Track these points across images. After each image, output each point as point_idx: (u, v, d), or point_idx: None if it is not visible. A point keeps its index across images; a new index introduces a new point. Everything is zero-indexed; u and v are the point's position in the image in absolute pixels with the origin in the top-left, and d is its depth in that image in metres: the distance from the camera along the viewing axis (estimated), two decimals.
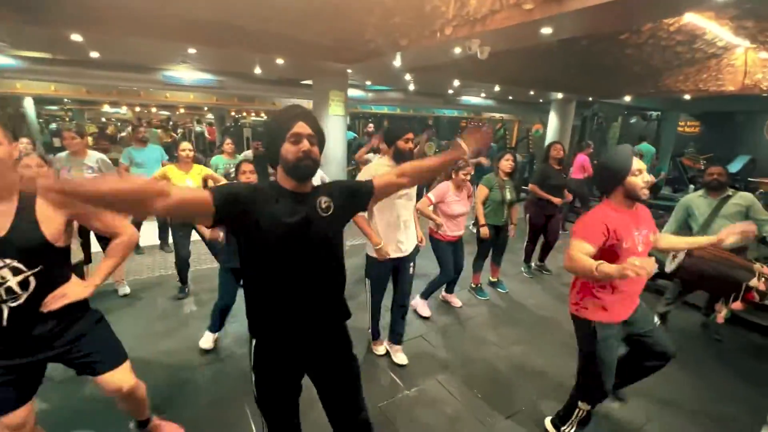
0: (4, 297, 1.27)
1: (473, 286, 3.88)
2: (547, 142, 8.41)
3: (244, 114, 16.29)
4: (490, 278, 4.00)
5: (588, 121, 8.16)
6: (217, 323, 2.77)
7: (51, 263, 1.35)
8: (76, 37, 3.38)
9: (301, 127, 1.20)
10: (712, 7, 3.44)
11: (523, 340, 3.12)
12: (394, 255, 2.43)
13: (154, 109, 14.89)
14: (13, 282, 1.27)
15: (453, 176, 3.07)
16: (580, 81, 6.23)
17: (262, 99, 11.05)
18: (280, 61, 4.41)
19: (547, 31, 2.62)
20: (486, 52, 2.93)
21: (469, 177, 3.08)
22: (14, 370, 1.35)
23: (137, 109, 14.37)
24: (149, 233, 4.68)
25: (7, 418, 1.33)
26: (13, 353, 1.34)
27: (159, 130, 12.64)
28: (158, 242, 4.78)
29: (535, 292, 3.99)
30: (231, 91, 8.02)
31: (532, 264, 4.46)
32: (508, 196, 3.50)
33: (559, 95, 7.72)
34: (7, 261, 1.25)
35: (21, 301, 1.29)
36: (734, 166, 8.41)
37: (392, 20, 3.16)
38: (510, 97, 9.42)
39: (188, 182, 3.29)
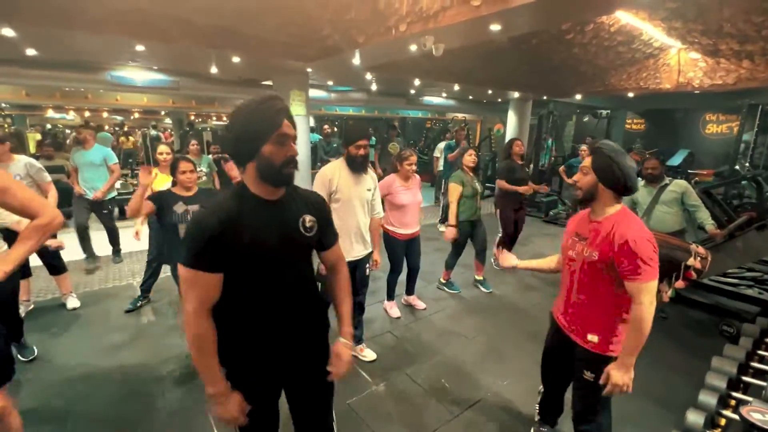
0: None
1: (442, 281, 3.93)
2: (507, 140, 8.74)
3: (205, 118, 15.72)
4: (475, 276, 4.04)
5: (544, 119, 8.53)
6: None
7: None
8: (7, 31, 3.13)
9: (288, 127, 1.08)
10: (642, 5, 3.72)
11: (488, 330, 3.21)
12: (351, 258, 2.44)
13: (105, 114, 14.04)
14: None
15: (399, 168, 3.06)
16: (534, 80, 6.52)
17: (222, 101, 10.70)
18: (236, 59, 4.30)
19: (495, 27, 2.72)
20: (441, 49, 3.00)
21: (415, 168, 3.08)
22: None
23: (87, 114, 13.49)
24: (100, 242, 4.41)
25: None
26: None
27: (119, 135, 11.97)
28: (110, 252, 4.52)
29: (499, 284, 4.11)
30: (188, 92, 7.70)
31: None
32: (478, 188, 3.63)
33: (516, 94, 8.04)
34: None
35: None
36: (675, 160, 9.08)
37: (347, 16, 3.17)
38: (470, 97, 9.69)
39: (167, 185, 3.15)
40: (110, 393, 2.34)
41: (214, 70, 5.06)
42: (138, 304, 3.38)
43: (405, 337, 3.06)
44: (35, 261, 2.92)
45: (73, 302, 3.35)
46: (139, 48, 3.75)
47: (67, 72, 5.33)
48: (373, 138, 9.44)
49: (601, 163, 1.46)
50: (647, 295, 1.38)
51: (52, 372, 2.52)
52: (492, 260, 4.56)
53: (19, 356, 2.54)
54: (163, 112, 14.82)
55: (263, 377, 1.23)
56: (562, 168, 6.53)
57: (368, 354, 2.72)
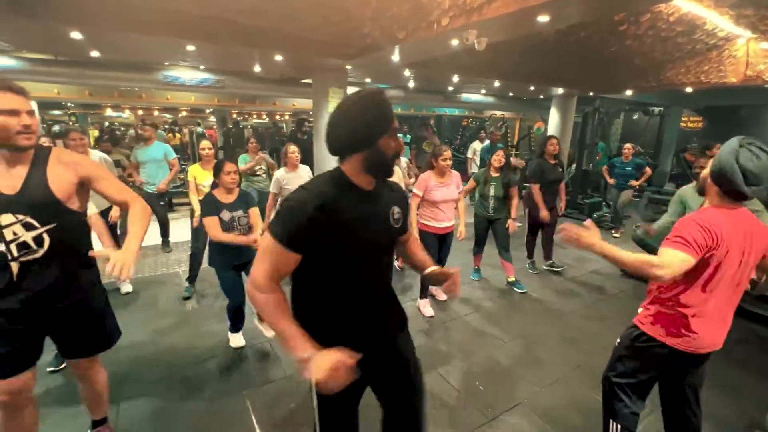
0: (15, 254, 1.32)
1: (476, 268, 4.09)
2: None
3: (246, 116, 16.33)
4: (508, 278, 3.94)
5: (590, 117, 8.09)
6: (236, 323, 2.79)
7: (65, 223, 1.40)
8: (75, 35, 3.41)
9: (395, 122, 1.11)
10: None
11: (525, 334, 3.10)
12: None
13: (156, 112, 14.96)
14: (27, 237, 1.33)
15: (434, 164, 3.05)
16: (580, 75, 6.20)
17: (263, 99, 11.06)
18: (278, 57, 4.41)
19: (543, 18, 2.60)
20: (483, 43, 2.92)
21: (450, 163, 3.05)
22: (16, 335, 1.39)
23: (140, 112, 14.45)
24: (152, 233, 4.69)
25: (6, 383, 1.38)
26: (19, 315, 1.37)
27: (166, 132, 12.69)
28: (160, 242, 4.80)
29: (537, 287, 3.97)
30: (232, 91, 8.02)
31: (535, 259, 4.44)
32: (492, 191, 3.59)
33: (560, 90, 7.69)
34: (20, 217, 1.31)
35: (38, 255, 1.35)
36: None
37: (388, 12, 3.15)
38: (510, 94, 9.39)
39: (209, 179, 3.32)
40: (156, 374, 2.48)
41: (257, 68, 5.24)
42: (191, 293, 3.56)
43: (438, 336, 3.02)
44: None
45: (126, 287, 3.60)
46: (190, 48, 3.95)
47: (126, 72, 5.72)
48: (408, 135, 9.40)
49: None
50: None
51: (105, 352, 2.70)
52: (527, 265, 4.42)
53: None
54: (208, 111, 15.55)
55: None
56: (604, 168, 6.19)
57: None
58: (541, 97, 9.05)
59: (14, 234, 1.31)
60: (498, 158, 3.57)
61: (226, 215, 2.47)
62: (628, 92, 7.36)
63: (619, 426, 1.64)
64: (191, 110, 15.14)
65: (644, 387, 1.63)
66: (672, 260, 1.30)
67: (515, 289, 3.84)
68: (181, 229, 5.09)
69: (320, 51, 4.19)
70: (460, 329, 3.14)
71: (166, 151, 4.48)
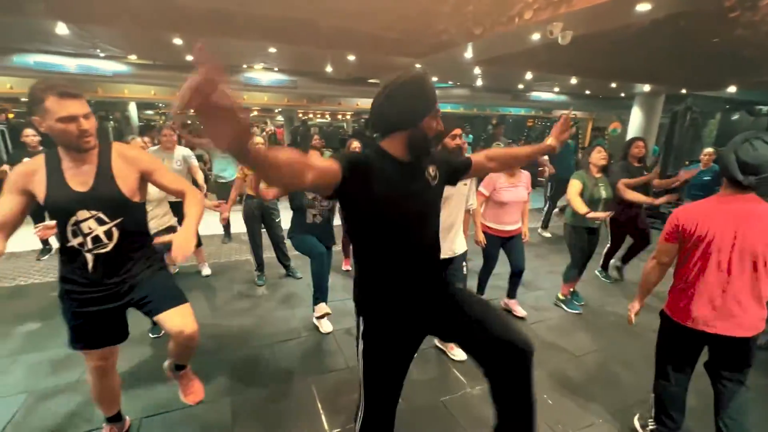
0: (90, 246, 1.45)
1: (560, 297, 3.47)
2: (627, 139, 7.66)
3: (311, 115, 17.07)
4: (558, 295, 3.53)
5: (679, 117, 7.25)
6: (320, 292, 2.78)
7: (130, 216, 1.51)
8: (177, 41, 3.80)
9: (438, 104, 1.18)
10: None
11: (599, 348, 2.87)
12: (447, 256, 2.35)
13: None
14: (99, 231, 1.45)
15: None
16: (674, 70, 5.57)
17: (329, 99, 11.48)
18: (351, 57, 4.54)
19: (643, 7, 2.36)
20: (568, 36, 2.73)
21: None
22: (100, 317, 1.54)
23: None
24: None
25: (99, 352, 1.56)
26: (100, 299, 1.52)
27: None
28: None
29: (612, 299, 3.64)
30: (302, 91, 8.43)
31: (618, 262, 4.08)
32: (603, 194, 3.09)
33: (646, 88, 6.99)
34: (93, 212, 1.43)
35: (109, 249, 1.48)
36: None
37: (467, 8, 3.08)
38: (587, 92, 8.75)
39: None
40: (229, 353, 2.66)
41: (329, 69, 5.44)
42: (264, 281, 3.79)
43: None
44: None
45: (206, 270, 3.94)
46: (271, 50, 4.21)
47: None
48: (470, 135, 9.17)
49: None
50: None
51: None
52: (597, 272, 4.08)
53: None
54: (276, 110, 16.48)
55: (400, 325, 1.25)
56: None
57: (458, 354, 2.62)
58: (622, 95, 8.30)
59: (89, 228, 1.44)
60: (602, 155, 3.09)
61: (310, 193, 2.66)
62: (731, 88, 6.49)
63: None
64: (261, 110, 16.19)
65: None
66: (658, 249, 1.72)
67: (565, 308, 3.42)
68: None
69: (391, 50, 4.23)
70: None
71: None
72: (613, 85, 6.83)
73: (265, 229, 3.70)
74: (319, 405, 2.19)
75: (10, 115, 8.86)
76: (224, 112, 0.69)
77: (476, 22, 3.24)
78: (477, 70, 5.65)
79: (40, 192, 1.40)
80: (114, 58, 6.08)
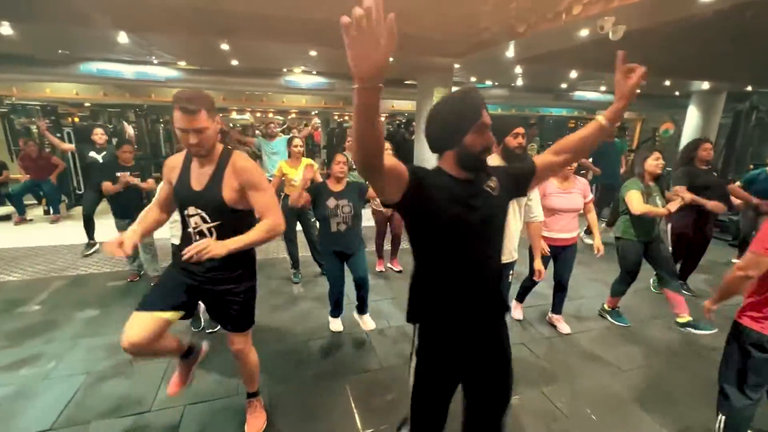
0: (195, 240, 1.61)
1: (607, 308, 3.27)
2: (683, 142, 7.13)
3: (346, 117, 17.35)
4: (678, 318, 3.10)
5: (743, 117, 6.65)
6: (336, 309, 2.94)
7: (229, 221, 1.62)
8: (224, 46, 3.99)
9: (487, 117, 1.13)
10: None
11: (647, 364, 2.68)
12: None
13: (270, 114, 16.76)
14: (203, 228, 1.62)
15: None
16: (737, 65, 5.11)
17: None
18: (389, 59, 4.54)
19: None
20: (621, 31, 2.57)
21: (574, 167, 2.69)
22: (181, 294, 1.68)
23: (258, 114, 16.35)
24: None
25: (159, 313, 1.63)
26: (188, 288, 1.69)
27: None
28: None
29: (664, 312, 3.39)
30: (340, 93, 8.57)
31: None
32: (659, 204, 2.89)
33: (705, 85, 6.47)
34: (199, 210, 1.60)
35: None
36: None
37: (511, 5, 2.99)
38: (637, 90, 8.23)
39: (297, 177, 3.56)
40: (267, 347, 2.71)
41: None
42: (299, 279, 3.88)
43: (540, 351, 2.78)
44: None
45: None
46: (312, 53, 4.30)
47: (255, 78, 6.52)
48: (537, 138, 8.80)
49: None
50: None
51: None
52: (651, 283, 3.81)
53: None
54: (313, 113, 16.90)
55: (451, 338, 1.23)
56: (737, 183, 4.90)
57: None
58: (677, 93, 7.74)
59: (195, 223, 1.62)
60: (659, 163, 2.87)
61: (332, 202, 2.61)
62: None
63: None
64: (299, 112, 16.65)
65: None
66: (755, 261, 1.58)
67: (695, 331, 3.02)
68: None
69: (430, 50, 4.19)
70: (566, 348, 2.85)
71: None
72: (667, 82, 6.38)
73: (301, 228, 3.78)
74: (353, 404, 2.20)
75: (76, 119, 9.67)
76: (381, 40, 0.74)
77: (520, 19, 3.14)
78: (518, 69, 5.48)
79: (174, 183, 1.65)
80: (165, 64, 6.48)
